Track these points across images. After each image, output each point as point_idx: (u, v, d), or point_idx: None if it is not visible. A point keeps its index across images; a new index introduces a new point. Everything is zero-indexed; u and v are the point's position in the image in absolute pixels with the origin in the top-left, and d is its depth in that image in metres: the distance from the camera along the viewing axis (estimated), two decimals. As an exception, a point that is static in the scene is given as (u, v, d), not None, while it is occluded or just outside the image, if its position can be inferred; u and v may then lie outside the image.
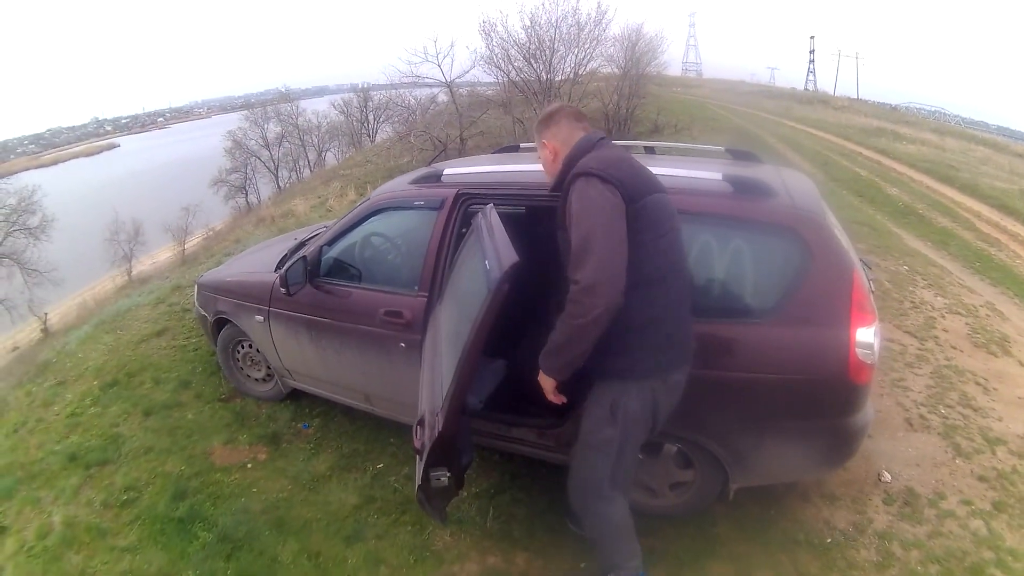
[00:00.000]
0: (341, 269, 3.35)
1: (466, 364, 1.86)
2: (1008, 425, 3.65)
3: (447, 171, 3.15)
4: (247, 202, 34.46)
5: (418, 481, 2.09)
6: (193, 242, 26.07)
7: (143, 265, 25.50)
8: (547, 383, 2.13)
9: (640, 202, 1.99)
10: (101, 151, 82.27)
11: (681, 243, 2.14)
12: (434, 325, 2.78)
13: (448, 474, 2.00)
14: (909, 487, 3.11)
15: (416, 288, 2.98)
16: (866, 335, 2.29)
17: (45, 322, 17.30)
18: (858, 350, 2.28)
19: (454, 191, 2.97)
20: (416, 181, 3.22)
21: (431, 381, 2.33)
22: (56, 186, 35.15)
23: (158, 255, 26.75)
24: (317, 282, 3.30)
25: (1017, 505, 3.01)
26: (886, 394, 3.88)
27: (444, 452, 1.98)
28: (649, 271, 1.98)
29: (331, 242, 3.36)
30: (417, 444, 2.16)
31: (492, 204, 2.49)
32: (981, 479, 3.19)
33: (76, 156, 78.84)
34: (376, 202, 3.30)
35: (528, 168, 3.16)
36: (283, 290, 3.24)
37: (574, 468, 2.28)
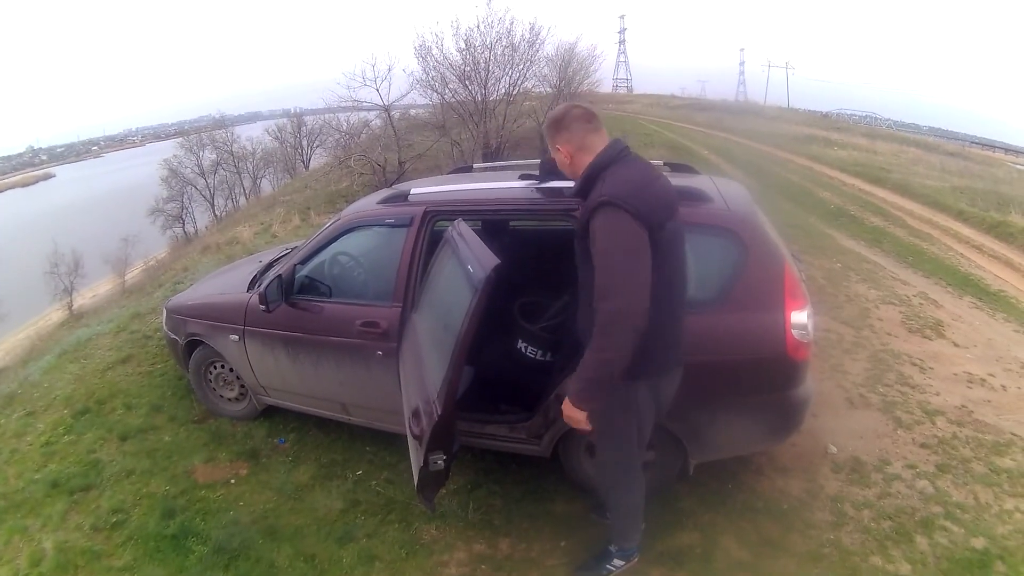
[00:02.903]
0: (316, 286, 3.48)
1: (459, 354, 2.07)
2: (946, 398, 3.99)
3: (414, 191, 3.34)
4: (184, 231, 33.74)
5: (419, 464, 2.27)
6: (133, 273, 25.31)
7: (84, 298, 24.62)
8: (577, 415, 2.09)
9: (661, 232, 1.99)
10: (37, 181, 79.07)
11: (684, 255, 2.22)
12: (411, 332, 2.96)
13: (444, 457, 2.19)
14: (855, 456, 3.40)
15: (390, 300, 3.16)
16: (800, 317, 2.61)
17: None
18: (794, 330, 2.60)
19: (422, 209, 3.16)
20: (384, 201, 3.42)
21: (418, 379, 2.51)
22: (-6, 218, 33.74)
23: (98, 287, 25.83)
24: (292, 299, 3.42)
25: (960, 466, 3.31)
26: (826, 379, 4.19)
27: (442, 436, 2.17)
28: (660, 289, 2.00)
29: (304, 261, 3.50)
30: (416, 431, 2.34)
31: (461, 218, 2.70)
32: (923, 446, 3.49)
33: (12, 187, 75.59)
34: (347, 221, 3.47)
35: (486, 186, 3.38)
36: (263, 307, 3.37)
37: (600, 455, 2.48)
